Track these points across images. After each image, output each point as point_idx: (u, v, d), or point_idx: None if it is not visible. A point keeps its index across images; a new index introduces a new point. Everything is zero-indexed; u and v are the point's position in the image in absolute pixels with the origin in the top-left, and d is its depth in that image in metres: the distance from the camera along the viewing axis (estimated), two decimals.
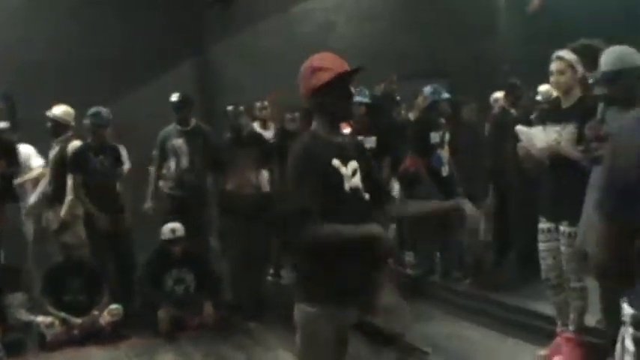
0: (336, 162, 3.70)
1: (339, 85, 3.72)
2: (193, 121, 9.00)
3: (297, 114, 9.32)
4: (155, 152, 8.96)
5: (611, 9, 11.80)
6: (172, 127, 8.95)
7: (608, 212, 2.50)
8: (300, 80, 3.81)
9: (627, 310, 2.48)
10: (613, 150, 2.61)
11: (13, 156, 8.47)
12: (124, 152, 9.07)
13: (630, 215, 2.44)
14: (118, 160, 8.67)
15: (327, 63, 3.74)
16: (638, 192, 2.40)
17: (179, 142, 8.85)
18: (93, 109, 8.41)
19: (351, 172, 3.74)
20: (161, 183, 8.98)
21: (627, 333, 2.48)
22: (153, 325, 7.94)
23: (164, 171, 8.92)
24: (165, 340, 7.78)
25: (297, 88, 3.84)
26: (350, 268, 3.64)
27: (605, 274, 2.71)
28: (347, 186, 3.71)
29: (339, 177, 3.69)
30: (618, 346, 2.59)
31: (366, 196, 3.81)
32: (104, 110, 8.47)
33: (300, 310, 3.74)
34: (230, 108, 8.78)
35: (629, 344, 2.47)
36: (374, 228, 3.64)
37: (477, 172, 9.31)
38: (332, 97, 3.74)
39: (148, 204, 8.82)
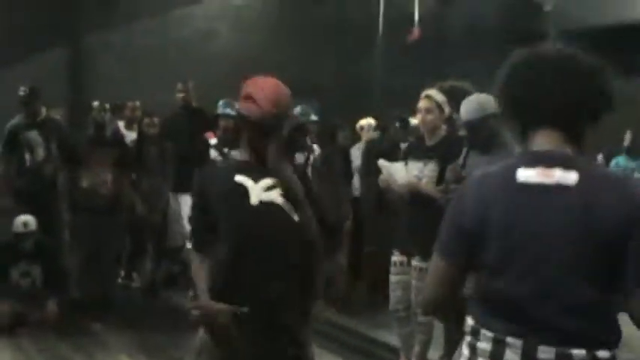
0: (240, 177, 3.60)
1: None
2: (44, 112, 8.76)
3: (155, 119, 9.20)
4: (3, 145, 8.68)
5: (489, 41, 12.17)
6: (21, 118, 8.71)
7: (439, 252, 2.65)
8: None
9: (468, 321, 2.64)
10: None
11: None
12: None
13: (454, 256, 2.62)
14: None
15: (263, 98, 3.58)
16: (463, 232, 2.57)
17: (32, 133, 8.62)
18: None
19: (262, 187, 3.60)
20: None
21: (465, 341, 2.65)
22: None
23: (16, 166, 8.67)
24: (4, 334, 7.54)
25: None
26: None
27: (431, 310, 2.87)
28: (254, 199, 3.58)
29: (243, 189, 3.58)
30: (456, 354, 2.71)
31: (294, 215, 3.61)
32: None
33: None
34: (96, 104, 8.64)
35: (465, 350, 2.64)
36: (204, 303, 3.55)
37: (342, 197, 9.39)
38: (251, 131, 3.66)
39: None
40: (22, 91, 8.63)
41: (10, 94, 9.25)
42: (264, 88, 3.62)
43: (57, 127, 8.77)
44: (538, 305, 2.46)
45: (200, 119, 9.25)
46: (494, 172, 2.62)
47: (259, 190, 3.59)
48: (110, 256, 8.59)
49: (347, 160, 9.46)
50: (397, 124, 8.98)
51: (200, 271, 3.64)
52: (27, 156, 8.60)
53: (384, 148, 8.43)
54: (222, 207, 3.61)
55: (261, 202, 3.58)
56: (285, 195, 3.61)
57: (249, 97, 3.62)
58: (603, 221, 2.37)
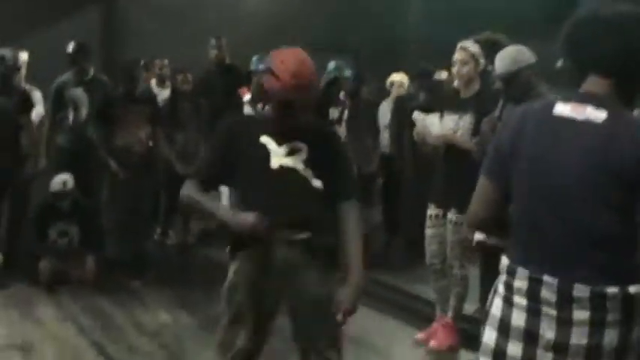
0: (265, 138, 3.76)
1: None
2: (92, 71, 8.81)
3: (189, 75, 9.20)
4: (48, 103, 8.67)
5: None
6: (69, 75, 8.73)
7: (484, 172, 2.86)
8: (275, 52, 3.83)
9: (503, 260, 2.78)
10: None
11: None
12: (37, 96, 8.58)
13: (494, 176, 2.82)
14: (26, 104, 8.25)
15: (283, 71, 3.68)
16: (503, 157, 2.78)
17: (78, 92, 8.65)
18: None
19: (284, 151, 3.75)
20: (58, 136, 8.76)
21: (500, 280, 2.79)
22: (34, 275, 7.79)
23: (59, 123, 8.70)
24: (45, 291, 7.64)
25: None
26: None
27: (480, 226, 3.18)
28: (274, 162, 3.73)
29: (265, 151, 3.74)
30: (491, 293, 2.86)
31: (314, 181, 3.76)
32: (6, 51, 8.10)
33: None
34: (143, 62, 8.63)
35: (500, 288, 2.78)
36: (228, 215, 3.80)
37: (371, 153, 9.38)
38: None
39: (43, 162, 8.55)
40: (70, 47, 8.66)
41: (49, 53, 9.31)
42: (284, 61, 3.71)
43: (103, 86, 8.79)
44: (570, 241, 2.60)
45: (233, 75, 9.26)
46: (535, 105, 2.83)
47: (281, 154, 3.75)
48: (146, 214, 8.62)
49: (372, 114, 9.34)
50: (419, 76, 8.92)
51: (201, 196, 3.89)
52: (70, 114, 8.64)
53: (414, 103, 8.36)
54: (243, 164, 3.78)
55: (281, 167, 3.73)
56: (307, 161, 3.74)
57: (270, 71, 3.72)
58: (621, 159, 2.51)
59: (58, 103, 8.69)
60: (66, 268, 7.93)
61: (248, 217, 3.65)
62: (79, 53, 8.64)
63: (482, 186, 2.85)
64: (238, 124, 4.07)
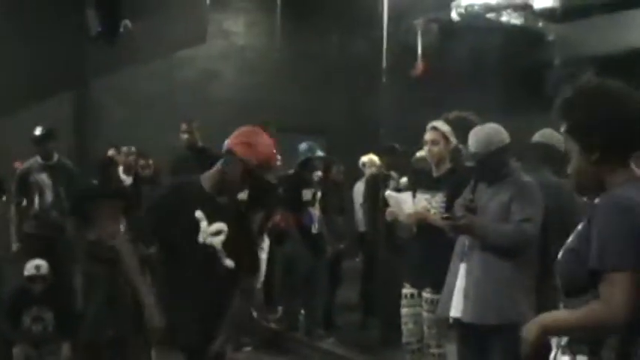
0: (199, 214, 4.19)
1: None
2: (56, 156, 8.89)
3: (150, 161, 9.27)
4: (14, 189, 8.75)
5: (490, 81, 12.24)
6: (33, 161, 8.82)
7: (628, 266, 2.69)
8: (235, 133, 4.32)
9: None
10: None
11: None
12: None
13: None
14: None
15: (252, 151, 4.16)
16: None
17: (42, 176, 8.70)
18: None
19: (213, 230, 4.21)
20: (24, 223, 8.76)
21: None
22: None
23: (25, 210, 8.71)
24: None
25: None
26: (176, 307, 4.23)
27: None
28: (201, 238, 4.19)
29: (195, 226, 4.17)
30: None
31: (227, 261, 4.26)
32: None
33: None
34: (111, 152, 8.70)
35: None
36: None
37: (344, 233, 9.46)
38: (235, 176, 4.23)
39: (15, 246, 8.56)
40: (37, 130, 8.73)
41: (17, 139, 9.35)
42: (255, 142, 4.21)
43: (67, 171, 8.84)
44: None
45: (206, 158, 9.26)
46: None
47: (207, 233, 4.20)
48: (126, 301, 8.54)
49: (340, 195, 9.64)
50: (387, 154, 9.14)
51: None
52: (36, 199, 8.64)
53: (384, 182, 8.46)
54: (175, 233, 4.21)
55: (204, 244, 4.21)
56: (227, 242, 4.22)
57: (249, 145, 4.20)
58: None
59: (22, 189, 8.70)
60: (41, 355, 7.83)
61: None
62: (44, 138, 8.69)
63: (629, 281, 2.68)
64: (174, 195, 4.40)
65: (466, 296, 5.11)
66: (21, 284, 8.00)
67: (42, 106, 11.71)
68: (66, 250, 8.55)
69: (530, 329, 2.85)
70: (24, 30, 11.66)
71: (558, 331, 2.87)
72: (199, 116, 10.29)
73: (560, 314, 2.92)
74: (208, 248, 4.21)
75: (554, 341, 2.89)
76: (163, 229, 4.21)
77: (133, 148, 9.91)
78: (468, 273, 5.14)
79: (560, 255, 2.92)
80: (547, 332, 2.86)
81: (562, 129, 2.95)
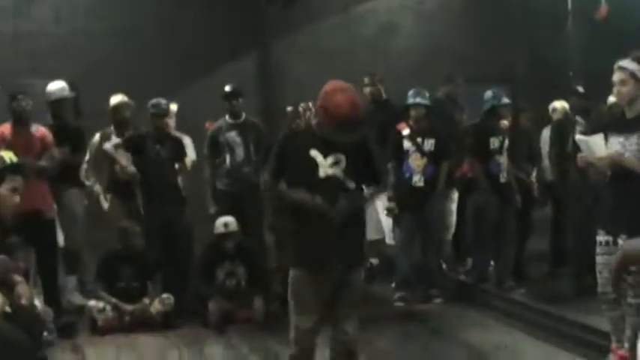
0: (313, 152, 4.75)
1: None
2: (244, 115, 9.10)
3: None
4: (206, 150, 9.05)
5: None
6: (222, 121, 9.07)
7: None
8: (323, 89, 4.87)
9: None
10: None
11: (78, 142, 8.58)
12: (187, 142, 9.17)
13: None
14: (180, 152, 8.74)
15: (334, 107, 4.70)
16: None
17: (232, 134, 8.94)
18: (153, 100, 8.55)
19: (330, 163, 4.76)
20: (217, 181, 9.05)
21: None
22: (203, 316, 7.99)
23: (217, 168, 9.02)
24: (215, 332, 7.82)
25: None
26: (313, 239, 4.81)
27: None
28: (322, 172, 4.74)
29: (314, 164, 4.73)
30: None
31: (350, 183, 4.82)
32: (163, 101, 8.62)
33: (290, 272, 5.00)
34: (289, 109, 8.82)
35: None
36: (317, 200, 4.73)
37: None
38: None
39: (212, 208, 8.87)
40: (227, 87, 9.03)
41: (211, 102, 9.63)
42: (337, 100, 4.74)
43: (256, 128, 9.04)
44: None
45: (390, 110, 9.27)
46: None
47: (326, 165, 4.76)
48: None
49: (530, 142, 9.42)
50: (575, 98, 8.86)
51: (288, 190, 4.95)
52: (227, 157, 8.88)
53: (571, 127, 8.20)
54: (298, 174, 4.82)
55: (327, 176, 4.78)
56: (347, 168, 4.79)
57: (324, 104, 4.80)
58: None
59: (214, 148, 8.95)
60: (234, 309, 8.08)
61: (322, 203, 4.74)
62: (234, 94, 8.93)
63: None
64: (289, 138, 5.16)
65: None
66: (213, 241, 8.26)
67: (225, 69, 12.01)
68: (256, 206, 8.76)
69: None
70: None
71: None
72: (380, 69, 10.29)
73: None
74: (331, 179, 4.77)
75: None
76: (288, 171, 4.87)
77: (310, 104, 10.00)
78: None
79: None
80: None
81: None
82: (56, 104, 8.71)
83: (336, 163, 4.81)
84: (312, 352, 5.16)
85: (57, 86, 8.75)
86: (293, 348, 5.16)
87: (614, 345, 6.01)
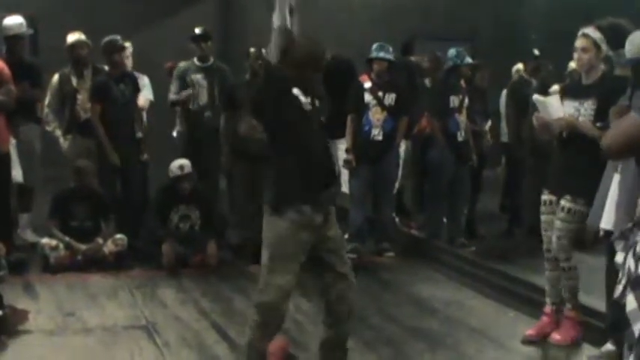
0: (295, 90, 4.86)
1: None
2: (212, 59, 9.07)
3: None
4: (173, 86, 8.99)
5: None
6: (190, 62, 9.02)
7: None
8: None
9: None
10: None
11: (35, 78, 8.48)
12: (144, 81, 9.12)
13: None
14: (137, 89, 8.68)
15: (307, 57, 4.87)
16: None
17: (198, 77, 8.91)
18: (107, 37, 8.43)
19: (309, 99, 4.92)
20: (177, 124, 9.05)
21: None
22: (156, 258, 8.01)
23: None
24: (167, 274, 7.84)
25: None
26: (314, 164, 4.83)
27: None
28: (306, 106, 4.87)
29: (297, 100, 4.84)
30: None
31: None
32: (118, 37, 8.51)
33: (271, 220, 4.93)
34: (252, 50, 8.76)
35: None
36: None
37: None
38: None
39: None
40: (197, 30, 8.98)
41: (170, 43, 9.56)
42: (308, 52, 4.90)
43: (222, 73, 9.01)
44: None
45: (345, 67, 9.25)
46: None
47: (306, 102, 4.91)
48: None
49: (485, 100, 9.52)
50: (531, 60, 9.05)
51: None
52: (190, 100, 8.87)
53: (536, 87, 8.26)
54: (289, 111, 4.85)
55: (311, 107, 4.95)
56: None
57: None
58: None
59: (180, 87, 8.92)
60: (187, 252, 8.11)
61: None
62: (203, 36, 8.90)
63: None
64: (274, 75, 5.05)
65: (618, 208, 4.98)
66: (168, 183, 8.26)
67: (188, 10, 11.92)
68: (214, 151, 8.76)
69: None
70: None
71: None
72: (343, 22, 10.27)
73: None
74: (314, 112, 4.96)
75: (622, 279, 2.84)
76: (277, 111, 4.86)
77: (263, 50, 10.00)
78: (622, 184, 5.00)
79: None
80: None
81: None
82: (13, 40, 8.51)
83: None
84: (283, 318, 5.05)
85: (15, 21, 8.53)
86: (265, 313, 4.97)
87: (548, 306, 6.11)
